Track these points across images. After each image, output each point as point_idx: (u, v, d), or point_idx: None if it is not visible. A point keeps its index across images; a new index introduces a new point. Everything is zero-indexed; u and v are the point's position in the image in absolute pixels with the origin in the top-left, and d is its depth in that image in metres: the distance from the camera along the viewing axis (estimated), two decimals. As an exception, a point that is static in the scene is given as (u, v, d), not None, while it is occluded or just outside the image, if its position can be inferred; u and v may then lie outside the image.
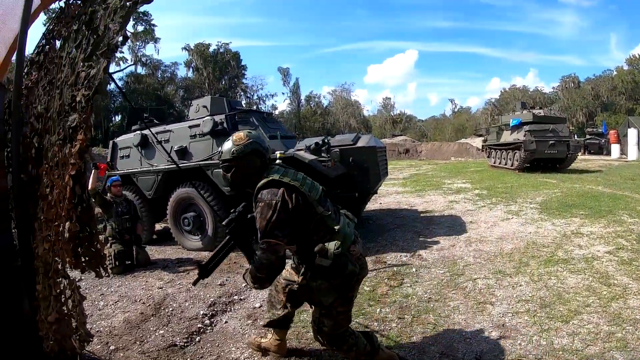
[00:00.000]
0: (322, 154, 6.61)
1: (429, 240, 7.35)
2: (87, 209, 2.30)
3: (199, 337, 4.18)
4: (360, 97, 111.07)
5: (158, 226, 9.76)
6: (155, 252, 7.86)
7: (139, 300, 5.30)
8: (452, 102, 76.79)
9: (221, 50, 52.17)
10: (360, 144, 7.06)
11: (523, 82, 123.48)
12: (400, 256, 6.43)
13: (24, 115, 2.61)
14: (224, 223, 2.93)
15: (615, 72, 59.42)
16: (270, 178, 2.77)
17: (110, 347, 4.08)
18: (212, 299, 5.08)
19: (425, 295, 4.81)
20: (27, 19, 2.52)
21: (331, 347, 3.03)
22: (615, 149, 31.28)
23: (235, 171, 2.93)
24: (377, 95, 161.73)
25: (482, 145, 28.05)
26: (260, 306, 4.75)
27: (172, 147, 7.97)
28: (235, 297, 5.16)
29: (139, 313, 4.87)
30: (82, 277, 6.45)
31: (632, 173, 18.13)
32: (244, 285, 5.44)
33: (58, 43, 2.67)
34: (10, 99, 2.62)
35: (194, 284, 3.10)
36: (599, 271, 5.35)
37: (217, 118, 7.55)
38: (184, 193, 7.65)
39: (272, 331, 3.57)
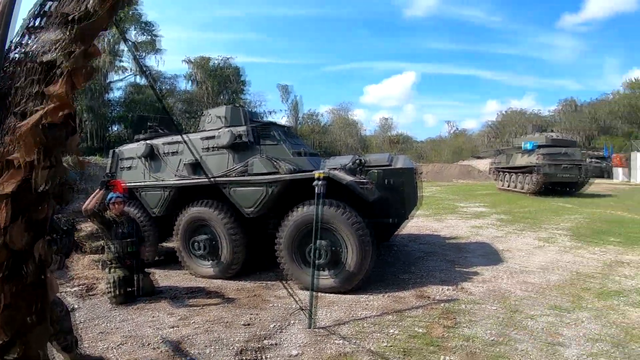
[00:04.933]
0: (357, 175, 5.98)
1: (467, 270, 6.88)
2: None
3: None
4: (357, 117, 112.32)
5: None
6: (160, 278, 6.89)
7: (148, 344, 4.35)
8: (448, 123, 77.21)
9: (222, 64, 51.48)
10: (398, 164, 6.46)
11: (520, 104, 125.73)
12: (443, 289, 5.87)
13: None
14: None
15: (612, 96, 59.94)
16: None
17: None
18: (239, 345, 4.24)
19: (489, 338, 4.30)
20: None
21: None
22: (619, 172, 31.40)
23: None
24: (374, 116, 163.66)
25: (490, 168, 27.83)
26: (298, 354, 4.00)
27: (180, 160, 7.32)
28: (266, 341, 4.32)
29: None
30: (79, 306, 5.63)
31: (646, 197, 18.02)
32: (273, 326, 4.73)
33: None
34: None
35: None
36: (658, 303, 5.10)
37: (237, 130, 6.91)
38: (195, 213, 6.91)
39: None
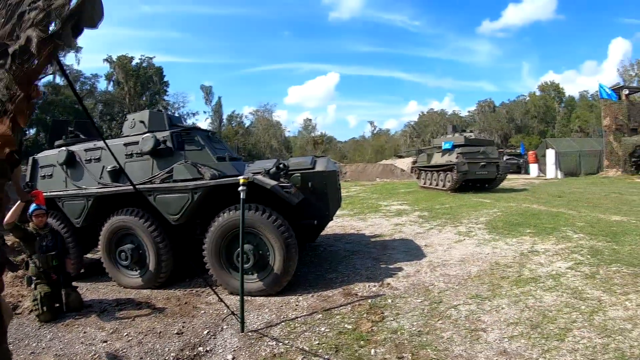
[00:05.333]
0: (281, 179, 6.06)
1: (391, 267, 7.08)
2: None
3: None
4: (281, 118, 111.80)
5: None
6: (87, 292, 6.66)
7: (83, 362, 4.27)
8: (371, 124, 79.19)
9: (144, 64, 49.49)
10: (319, 167, 6.52)
11: (440, 106, 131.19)
12: (369, 286, 6.05)
13: None
14: None
15: (528, 97, 63.67)
16: None
17: None
18: (173, 354, 4.20)
19: (414, 329, 4.50)
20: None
21: None
22: (534, 168, 33.51)
23: None
24: (297, 117, 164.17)
25: (412, 167, 28.57)
26: (232, 359, 4.03)
27: (103, 167, 7.01)
28: (200, 348, 4.29)
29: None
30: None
31: (556, 190, 19.33)
32: (205, 332, 4.69)
33: None
34: None
35: None
36: (569, 287, 5.54)
37: (160, 136, 6.73)
38: (119, 222, 6.65)
39: None
